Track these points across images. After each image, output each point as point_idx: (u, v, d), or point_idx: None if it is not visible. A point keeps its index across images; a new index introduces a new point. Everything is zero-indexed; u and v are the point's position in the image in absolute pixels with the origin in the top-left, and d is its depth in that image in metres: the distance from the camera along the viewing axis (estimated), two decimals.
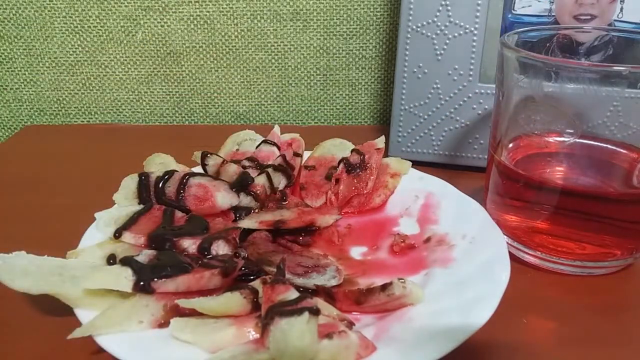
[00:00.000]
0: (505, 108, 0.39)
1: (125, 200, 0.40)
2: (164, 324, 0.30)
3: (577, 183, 0.38)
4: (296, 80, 0.69)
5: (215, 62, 0.68)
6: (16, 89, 0.69)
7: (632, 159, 0.38)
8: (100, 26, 0.66)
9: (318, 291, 0.33)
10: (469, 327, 0.28)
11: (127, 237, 0.37)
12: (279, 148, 0.48)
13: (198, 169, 0.45)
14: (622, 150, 0.38)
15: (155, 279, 0.31)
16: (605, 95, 0.34)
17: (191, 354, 0.28)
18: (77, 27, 0.66)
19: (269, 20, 0.65)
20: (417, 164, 0.48)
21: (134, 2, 0.64)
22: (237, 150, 0.49)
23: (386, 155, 0.52)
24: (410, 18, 0.51)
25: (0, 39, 0.66)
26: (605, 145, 0.38)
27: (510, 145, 0.40)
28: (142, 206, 0.39)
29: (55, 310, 0.32)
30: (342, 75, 0.68)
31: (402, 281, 0.31)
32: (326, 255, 0.38)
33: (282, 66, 0.68)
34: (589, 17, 0.47)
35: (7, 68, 0.68)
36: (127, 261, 0.32)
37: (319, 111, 0.71)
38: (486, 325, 0.29)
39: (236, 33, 0.66)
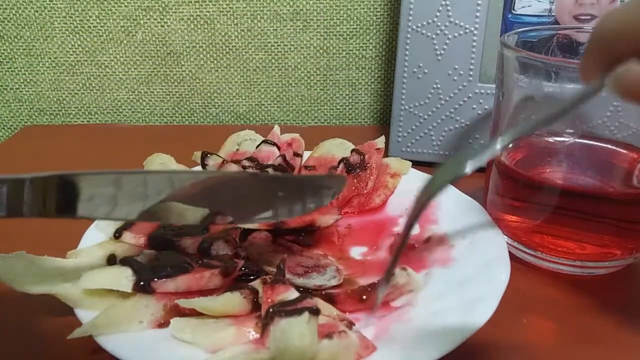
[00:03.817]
0: (505, 108, 0.39)
1: None
2: (164, 324, 0.30)
3: (577, 183, 0.38)
4: (296, 80, 0.69)
5: (215, 62, 0.68)
6: (16, 89, 0.69)
7: (632, 159, 0.38)
8: (100, 26, 0.66)
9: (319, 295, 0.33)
10: (469, 327, 0.28)
11: (127, 237, 0.37)
12: (279, 148, 0.48)
13: (198, 169, 0.45)
14: (622, 150, 0.38)
15: (155, 279, 0.31)
16: (605, 95, 0.34)
17: (191, 354, 0.28)
18: (77, 27, 0.66)
19: (269, 20, 0.65)
20: (417, 164, 0.48)
21: (134, 2, 0.64)
22: (237, 150, 0.50)
23: (386, 155, 0.52)
24: (410, 18, 0.51)
25: (0, 39, 0.66)
26: (605, 145, 0.38)
27: (510, 145, 0.40)
28: None
29: (55, 310, 0.32)
30: (342, 75, 0.68)
31: (404, 269, 0.31)
32: (326, 255, 0.38)
33: (282, 66, 0.68)
34: (589, 17, 0.47)
35: (7, 68, 0.68)
36: (127, 261, 0.32)
37: (319, 111, 0.71)
38: (486, 325, 0.29)
39: (236, 33, 0.66)
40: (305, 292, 0.33)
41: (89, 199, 0.29)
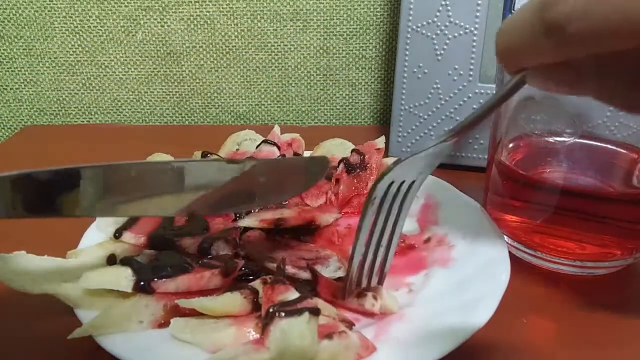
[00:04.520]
0: (505, 108, 0.39)
1: None
2: (164, 324, 0.30)
3: (577, 183, 0.38)
4: (296, 80, 0.69)
5: (215, 62, 0.68)
6: (16, 89, 0.69)
7: (632, 159, 0.38)
8: (100, 26, 0.66)
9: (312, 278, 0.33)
10: (469, 327, 0.28)
11: (127, 237, 0.37)
12: (279, 148, 0.48)
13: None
14: (622, 150, 0.38)
15: (155, 279, 0.31)
16: None
17: (191, 354, 0.28)
18: (77, 27, 0.66)
19: (269, 20, 0.65)
20: None
21: (134, 2, 0.64)
22: (237, 150, 0.50)
23: (386, 155, 0.52)
24: (410, 18, 0.51)
25: (0, 39, 0.66)
26: (605, 145, 0.38)
27: (510, 145, 0.40)
28: None
29: (55, 310, 0.32)
30: (342, 75, 0.68)
31: (374, 298, 0.31)
32: (324, 247, 0.38)
33: (282, 66, 0.68)
34: None
35: (7, 68, 0.68)
36: (127, 261, 0.32)
37: (319, 111, 0.71)
38: (486, 325, 0.29)
39: (236, 33, 0.66)
40: (305, 292, 0.33)
41: (61, 196, 0.27)
